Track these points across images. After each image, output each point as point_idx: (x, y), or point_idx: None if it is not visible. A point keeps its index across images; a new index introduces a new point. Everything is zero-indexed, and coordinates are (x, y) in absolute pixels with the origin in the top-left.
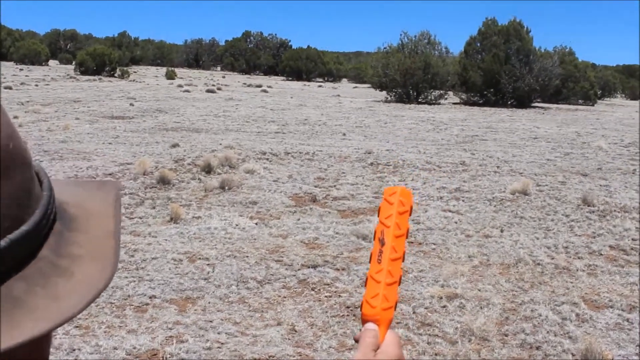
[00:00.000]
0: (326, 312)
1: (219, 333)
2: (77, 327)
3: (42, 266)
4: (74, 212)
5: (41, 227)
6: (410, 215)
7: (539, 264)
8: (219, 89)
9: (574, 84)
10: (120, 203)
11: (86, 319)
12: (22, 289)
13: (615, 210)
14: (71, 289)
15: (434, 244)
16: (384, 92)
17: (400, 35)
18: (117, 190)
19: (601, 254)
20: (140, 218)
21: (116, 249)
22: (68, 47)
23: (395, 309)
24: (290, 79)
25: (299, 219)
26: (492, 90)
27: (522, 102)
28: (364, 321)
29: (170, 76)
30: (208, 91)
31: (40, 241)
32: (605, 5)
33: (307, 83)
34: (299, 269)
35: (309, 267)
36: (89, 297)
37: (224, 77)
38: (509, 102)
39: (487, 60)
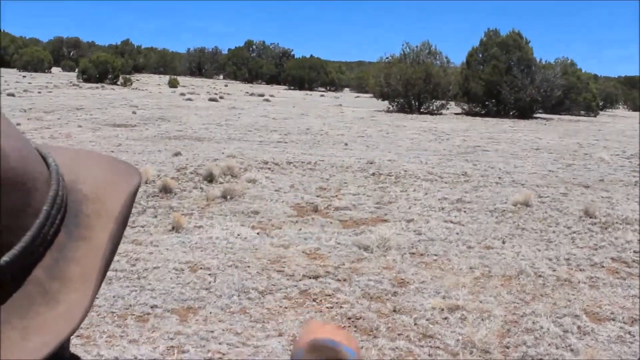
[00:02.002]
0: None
1: (220, 343)
2: (79, 336)
3: (30, 290)
4: (89, 212)
5: (30, 251)
6: None
7: (540, 275)
8: (221, 97)
9: (576, 95)
10: (133, 200)
11: (87, 328)
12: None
13: (617, 222)
14: (48, 321)
15: (436, 255)
16: (386, 102)
17: (402, 45)
18: (139, 182)
19: (603, 266)
20: (142, 227)
21: (101, 274)
22: (71, 54)
23: None
24: (292, 88)
25: (300, 229)
26: (494, 100)
27: (524, 112)
28: None
29: (173, 84)
30: (211, 100)
31: (32, 262)
32: (607, 17)
33: (309, 92)
34: (300, 280)
35: (310, 278)
36: (54, 343)
37: (226, 85)
38: (511, 113)
39: (488, 71)
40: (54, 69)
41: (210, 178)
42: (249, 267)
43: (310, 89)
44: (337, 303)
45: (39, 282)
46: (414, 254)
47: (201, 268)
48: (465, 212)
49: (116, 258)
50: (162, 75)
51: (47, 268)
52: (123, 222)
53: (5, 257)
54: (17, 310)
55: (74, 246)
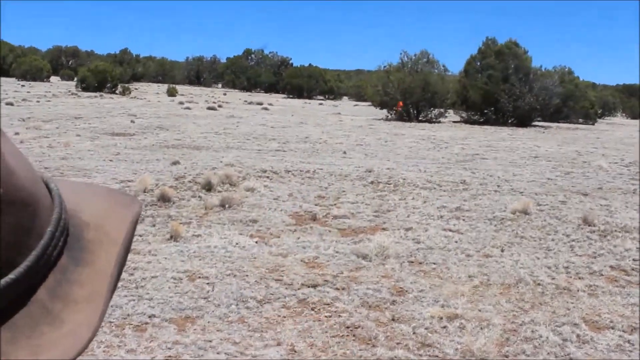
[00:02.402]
0: (326, 332)
1: (218, 353)
2: None
3: (33, 310)
4: (91, 238)
5: (35, 271)
6: None
7: (539, 284)
8: (220, 106)
9: (574, 103)
10: (135, 228)
11: None
12: (6, 339)
13: (616, 230)
14: (55, 341)
15: (434, 263)
16: (385, 110)
17: (400, 54)
18: (139, 211)
19: (602, 275)
20: (140, 236)
21: (107, 296)
22: (70, 63)
23: None
24: (291, 96)
25: (299, 238)
26: (492, 109)
27: (523, 121)
28: None
29: (172, 93)
30: (209, 108)
31: (36, 282)
32: (605, 26)
33: (308, 101)
34: (298, 289)
35: (308, 287)
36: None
37: (225, 94)
38: (510, 121)
39: (487, 80)
40: (53, 78)
41: (208, 187)
42: (247, 276)
43: (309, 98)
44: (335, 312)
45: (42, 302)
46: (412, 262)
47: (199, 277)
48: (464, 220)
49: None
50: (160, 84)
51: (50, 289)
52: (127, 247)
53: (12, 275)
54: (22, 330)
55: (77, 270)
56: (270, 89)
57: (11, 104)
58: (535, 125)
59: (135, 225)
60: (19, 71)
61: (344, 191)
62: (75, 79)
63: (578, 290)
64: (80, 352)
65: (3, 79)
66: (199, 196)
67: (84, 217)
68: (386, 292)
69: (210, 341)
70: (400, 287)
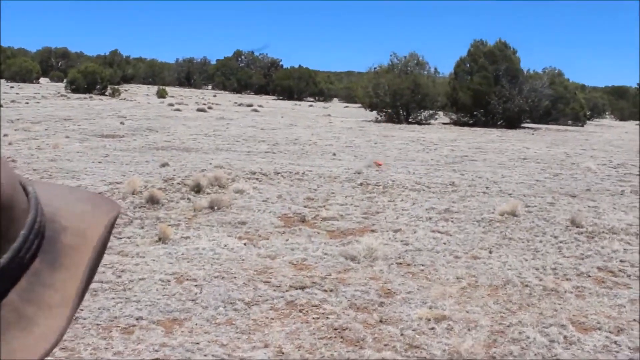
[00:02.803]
0: (314, 334)
1: (205, 355)
2: (63, 349)
3: (4, 314)
4: (68, 242)
5: (7, 274)
6: None
7: (527, 285)
8: (209, 107)
9: (564, 105)
10: (110, 232)
11: (72, 340)
12: None
13: (603, 232)
14: (27, 345)
15: (423, 265)
16: (375, 112)
17: (390, 55)
18: (116, 215)
19: (589, 276)
20: (128, 238)
21: (76, 300)
22: (59, 65)
23: None
24: (281, 98)
25: (287, 240)
26: (482, 110)
27: (512, 122)
28: None
29: (162, 95)
30: (199, 110)
31: (7, 286)
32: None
33: (298, 102)
34: (287, 290)
35: (297, 289)
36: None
37: (215, 96)
38: (499, 123)
39: (477, 81)
40: (42, 80)
41: (197, 189)
42: (235, 278)
43: (299, 99)
44: (323, 314)
45: (14, 305)
46: (400, 264)
47: (187, 279)
48: (452, 222)
49: (102, 269)
50: (150, 86)
51: (22, 292)
52: (101, 252)
53: None
54: None
55: (53, 274)
56: (261, 90)
57: (0, 106)
58: (524, 127)
59: (111, 230)
60: (8, 73)
61: (333, 193)
62: (65, 80)
63: (565, 292)
64: (44, 356)
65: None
66: (188, 198)
67: (64, 221)
68: (374, 293)
69: (197, 343)
70: (388, 289)
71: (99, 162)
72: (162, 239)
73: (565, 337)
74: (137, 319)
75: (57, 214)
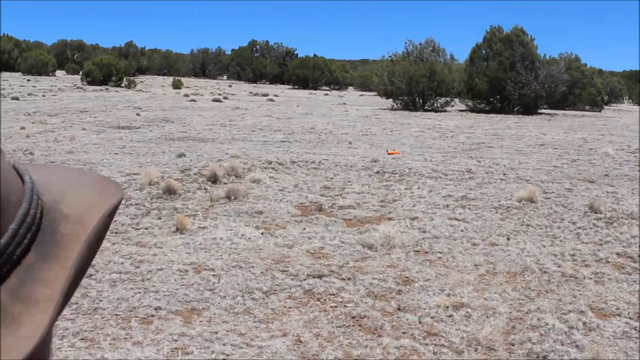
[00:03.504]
0: (332, 322)
1: (224, 344)
2: (83, 339)
3: None
4: (68, 232)
5: None
6: None
7: (545, 272)
8: (225, 98)
9: (580, 90)
10: (110, 220)
11: (92, 331)
12: None
13: (622, 217)
14: (12, 345)
15: (440, 252)
16: (390, 100)
17: (405, 43)
18: (116, 203)
19: (608, 262)
20: (146, 229)
21: (61, 299)
22: (75, 57)
23: None
24: (296, 87)
25: (304, 229)
26: (498, 97)
27: (529, 108)
28: None
29: (177, 86)
30: (214, 100)
31: None
32: (612, 11)
33: (313, 91)
34: (304, 279)
35: (314, 277)
36: None
37: (230, 86)
38: (515, 109)
39: (492, 68)
40: (58, 72)
41: (214, 179)
42: (253, 267)
43: (315, 88)
44: (341, 302)
45: (2, 304)
46: (418, 251)
47: (205, 269)
48: (469, 209)
49: (120, 260)
50: (165, 77)
51: (11, 289)
52: (96, 242)
53: None
54: None
55: (46, 267)
56: (276, 80)
57: (17, 99)
58: (541, 113)
59: (111, 218)
60: (24, 66)
61: (349, 181)
62: (81, 72)
63: (584, 278)
64: (28, 354)
65: (8, 74)
66: (205, 188)
67: (65, 209)
68: (392, 281)
69: (216, 333)
70: (406, 277)
71: (116, 154)
72: (180, 229)
73: (584, 323)
74: (155, 309)
75: (60, 201)
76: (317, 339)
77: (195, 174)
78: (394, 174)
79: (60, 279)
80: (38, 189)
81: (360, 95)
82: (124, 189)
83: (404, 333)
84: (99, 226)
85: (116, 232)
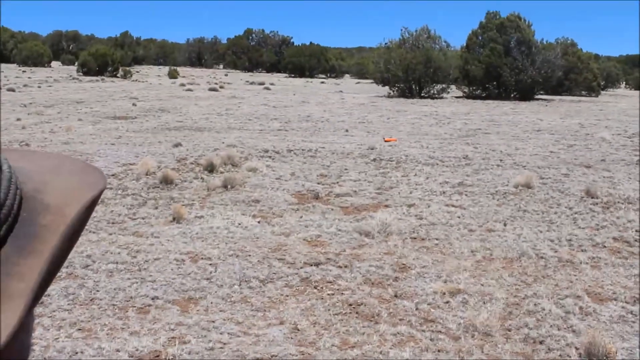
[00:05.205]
0: (329, 310)
1: (221, 333)
2: (80, 329)
3: None
4: (47, 223)
5: None
6: None
7: (542, 257)
8: (221, 87)
9: (577, 75)
10: (91, 211)
11: (89, 321)
12: None
13: (618, 202)
14: None
15: (437, 239)
16: (387, 87)
17: (401, 30)
18: (97, 194)
19: (605, 246)
20: (142, 218)
21: (32, 294)
22: (70, 48)
23: None
24: (292, 75)
25: (301, 217)
26: (494, 83)
27: (525, 94)
28: None
29: (173, 75)
30: (211, 89)
31: None
32: None
33: (309, 80)
34: (301, 267)
35: (311, 265)
36: None
37: (226, 75)
38: (512, 95)
39: (488, 54)
40: (54, 63)
41: (210, 168)
42: (249, 256)
43: (311, 76)
44: (338, 290)
45: None
46: (415, 238)
47: (202, 258)
48: (466, 195)
49: (117, 250)
50: (162, 67)
51: None
52: (76, 234)
53: None
54: None
55: (22, 261)
56: (272, 68)
57: (13, 90)
58: (537, 99)
59: (93, 207)
60: (19, 57)
61: (346, 169)
62: (76, 63)
63: (581, 263)
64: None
65: (4, 65)
66: (201, 178)
67: (46, 198)
68: (389, 268)
69: (213, 321)
70: (403, 264)
71: (112, 144)
72: (176, 219)
73: (581, 308)
74: (152, 299)
75: (41, 190)
76: (314, 326)
77: (192, 163)
78: (391, 161)
79: (35, 272)
80: (18, 177)
81: (357, 83)
82: (120, 180)
83: (400, 320)
84: (79, 217)
85: (113, 223)
